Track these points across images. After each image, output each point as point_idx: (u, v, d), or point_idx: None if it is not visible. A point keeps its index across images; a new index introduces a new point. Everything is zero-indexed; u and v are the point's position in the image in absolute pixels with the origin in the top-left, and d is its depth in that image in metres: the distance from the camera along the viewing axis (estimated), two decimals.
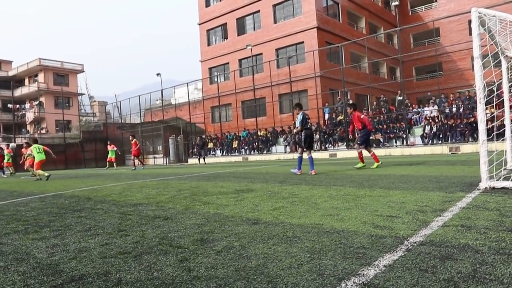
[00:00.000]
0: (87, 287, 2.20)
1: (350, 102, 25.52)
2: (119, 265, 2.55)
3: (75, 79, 56.72)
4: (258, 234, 3.16)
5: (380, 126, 23.26)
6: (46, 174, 13.92)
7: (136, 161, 22.97)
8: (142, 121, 41.13)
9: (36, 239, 3.47)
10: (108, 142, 25.46)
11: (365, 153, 11.41)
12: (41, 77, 53.42)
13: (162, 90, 38.52)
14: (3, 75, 55.63)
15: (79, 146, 39.26)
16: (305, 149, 9.37)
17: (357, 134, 11.38)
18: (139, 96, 38.98)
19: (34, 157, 15.14)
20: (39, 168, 14.50)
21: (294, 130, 10.03)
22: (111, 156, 25.01)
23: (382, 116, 24.23)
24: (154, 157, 37.29)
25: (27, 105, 53.96)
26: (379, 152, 20.13)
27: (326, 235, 3.02)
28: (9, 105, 45.75)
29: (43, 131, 48.89)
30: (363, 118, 10.73)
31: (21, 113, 53.79)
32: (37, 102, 51.78)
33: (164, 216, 4.28)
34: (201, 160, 27.86)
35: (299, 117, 9.18)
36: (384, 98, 26.59)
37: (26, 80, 55.57)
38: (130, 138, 22.64)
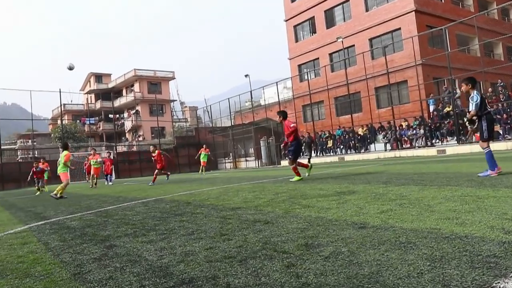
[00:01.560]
0: None
1: (452, 90, 23.44)
2: (225, 269, 2.66)
3: (167, 86, 60.96)
4: (367, 239, 3.06)
5: (498, 116, 21.13)
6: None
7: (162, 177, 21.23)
8: (232, 123, 42.64)
9: (145, 242, 3.77)
10: (204, 146, 26.30)
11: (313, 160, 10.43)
12: (136, 86, 58.39)
13: (251, 92, 39.56)
14: (104, 87, 61.93)
15: (173, 152, 41.98)
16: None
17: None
18: (228, 99, 40.48)
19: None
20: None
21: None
22: (203, 159, 26.16)
23: (500, 105, 22.00)
24: (246, 160, 38.35)
25: (125, 114, 59.38)
26: (498, 146, 18.31)
27: (446, 241, 2.81)
28: (110, 115, 50.76)
29: (140, 138, 53.34)
30: (292, 127, 10.17)
31: (120, 122, 59.34)
32: (134, 111, 56.72)
33: (264, 220, 4.36)
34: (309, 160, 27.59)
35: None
36: (502, 84, 24.13)
37: (124, 91, 61.15)
38: (151, 149, 19.36)
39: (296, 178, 10.13)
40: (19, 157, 46.96)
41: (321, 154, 30.68)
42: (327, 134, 31.34)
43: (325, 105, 34.37)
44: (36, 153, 45.21)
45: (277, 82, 36.33)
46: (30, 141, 56.60)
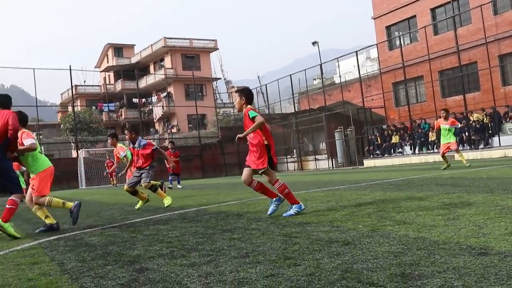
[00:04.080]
0: None
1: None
2: None
3: (208, 60, 61.86)
4: (490, 271, 2.99)
5: None
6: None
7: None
8: (296, 109, 42.57)
9: (185, 265, 3.91)
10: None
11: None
12: (167, 61, 59.76)
13: (321, 65, 39.32)
14: (126, 63, 63.92)
15: (217, 148, 42.62)
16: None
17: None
18: (290, 75, 40.38)
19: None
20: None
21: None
22: None
23: None
24: (316, 159, 38.18)
25: (154, 98, 60.98)
26: None
27: None
28: (134, 100, 52.42)
29: (174, 130, 54.65)
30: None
31: (147, 108, 61.05)
32: (165, 94, 58.17)
33: (343, 240, 4.37)
34: None
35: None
36: None
37: (151, 67, 62.85)
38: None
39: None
40: None
41: (420, 151, 29.95)
42: (429, 124, 30.46)
43: (426, 82, 33.45)
44: (43, 148, 47.72)
45: (357, 51, 35.83)
46: (34, 133, 59.91)
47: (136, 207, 10.07)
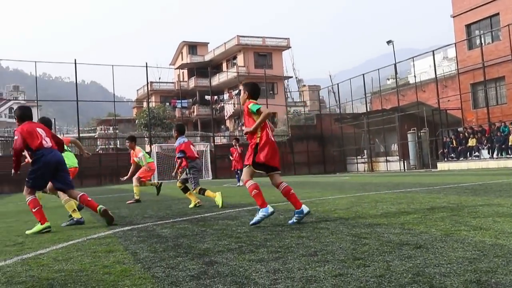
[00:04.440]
0: None
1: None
2: None
3: (280, 58, 62.12)
4: None
5: None
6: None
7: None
8: (368, 109, 42.08)
9: (254, 260, 3.95)
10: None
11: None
12: (240, 59, 60.52)
13: (395, 65, 38.63)
14: (199, 61, 65.24)
15: (286, 146, 42.76)
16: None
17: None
18: (363, 75, 39.98)
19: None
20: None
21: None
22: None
23: None
24: (387, 160, 37.66)
25: (226, 96, 61.89)
26: None
27: None
28: (207, 97, 53.43)
29: (244, 127, 55.14)
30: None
31: (219, 105, 62.06)
32: (236, 91, 58.87)
33: (415, 243, 4.29)
34: None
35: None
36: None
37: (224, 65, 63.82)
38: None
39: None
40: (98, 147, 52.05)
41: (499, 156, 28.74)
42: (509, 127, 29.19)
43: (508, 83, 32.06)
44: (118, 142, 49.49)
45: (433, 51, 34.85)
46: (111, 128, 62.30)
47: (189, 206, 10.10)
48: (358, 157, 41.15)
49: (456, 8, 37.25)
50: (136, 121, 55.93)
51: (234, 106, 58.50)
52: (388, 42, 41.55)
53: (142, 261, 4.20)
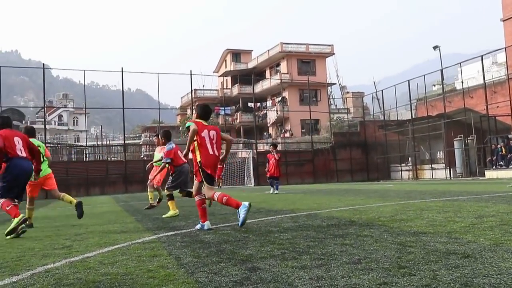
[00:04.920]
0: None
1: None
2: None
3: (323, 65, 61.95)
4: None
5: None
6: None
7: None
8: (413, 116, 41.46)
9: (296, 267, 3.94)
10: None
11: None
12: (283, 66, 60.67)
13: (442, 70, 37.92)
14: (243, 68, 65.77)
15: (329, 153, 42.57)
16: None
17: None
18: (408, 81, 39.46)
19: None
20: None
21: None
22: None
23: None
24: (432, 168, 36.98)
25: (269, 103, 62.06)
26: None
27: None
28: (250, 104, 53.64)
29: (287, 135, 55.25)
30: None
31: (262, 112, 62.26)
32: (279, 98, 58.96)
33: (463, 252, 4.20)
34: None
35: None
36: None
37: (267, 72, 64.07)
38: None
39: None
40: (143, 154, 52.88)
41: None
42: None
43: None
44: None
45: (482, 56, 34.04)
46: (155, 134, 63.20)
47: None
48: (402, 164, 40.54)
49: (506, 11, 36.36)
50: (180, 128, 56.61)
51: (277, 113, 58.59)
52: (435, 47, 40.83)
53: (186, 266, 4.24)
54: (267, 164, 21.28)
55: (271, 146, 22.13)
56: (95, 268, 4.36)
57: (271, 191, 20.31)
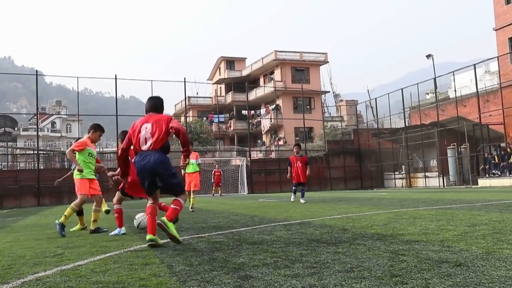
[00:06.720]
0: None
1: None
2: None
3: (317, 73, 62.19)
4: None
5: None
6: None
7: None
8: (406, 124, 41.61)
9: (289, 275, 3.93)
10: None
11: None
12: (277, 74, 60.86)
13: (435, 79, 38.13)
14: (237, 76, 65.95)
15: (323, 161, 42.61)
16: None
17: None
18: (401, 89, 39.66)
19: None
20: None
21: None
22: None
23: None
24: (425, 176, 37.07)
25: (263, 110, 62.22)
26: None
27: None
28: (243, 111, 53.72)
29: (281, 142, 55.31)
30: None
31: (256, 120, 62.37)
32: (273, 106, 59.10)
33: (455, 261, 4.21)
34: None
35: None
36: None
37: (261, 80, 64.25)
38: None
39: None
40: None
41: None
42: None
43: None
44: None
45: (475, 65, 34.23)
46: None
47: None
48: (396, 172, 40.63)
49: (498, 21, 36.62)
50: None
51: (271, 121, 58.69)
52: (428, 56, 40.97)
53: (178, 274, 4.23)
54: (288, 168, 17.54)
55: (295, 147, 17.72)
56: (86, 277, 4.33)
57: (292, 199, 17.95)
